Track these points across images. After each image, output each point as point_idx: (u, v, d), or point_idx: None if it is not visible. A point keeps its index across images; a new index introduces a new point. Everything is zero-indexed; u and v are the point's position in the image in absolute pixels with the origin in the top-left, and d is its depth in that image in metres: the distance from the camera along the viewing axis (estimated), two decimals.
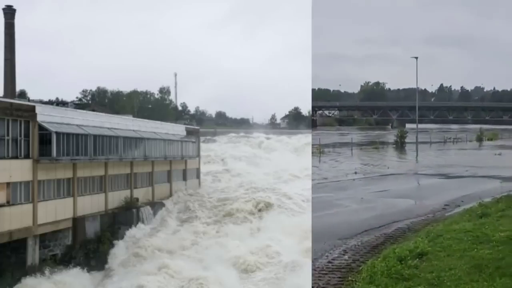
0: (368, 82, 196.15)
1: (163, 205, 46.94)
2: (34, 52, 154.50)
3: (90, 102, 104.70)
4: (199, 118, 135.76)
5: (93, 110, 51.72)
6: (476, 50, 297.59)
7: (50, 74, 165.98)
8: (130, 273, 33.51)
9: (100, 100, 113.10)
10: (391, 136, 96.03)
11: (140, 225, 41.46)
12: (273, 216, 44.16)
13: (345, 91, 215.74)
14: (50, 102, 56.32)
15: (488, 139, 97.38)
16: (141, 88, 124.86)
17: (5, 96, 60.95)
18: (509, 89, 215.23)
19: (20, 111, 32.15)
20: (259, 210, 45.65)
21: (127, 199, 42.94)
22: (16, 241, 30.87)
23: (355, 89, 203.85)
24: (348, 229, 24.17)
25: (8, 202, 30.66)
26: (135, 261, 35.66)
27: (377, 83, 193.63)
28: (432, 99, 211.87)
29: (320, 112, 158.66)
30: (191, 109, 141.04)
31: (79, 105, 66.08)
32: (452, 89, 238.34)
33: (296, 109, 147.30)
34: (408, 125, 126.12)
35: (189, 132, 58.28)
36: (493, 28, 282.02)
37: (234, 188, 53.57)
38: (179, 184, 53.20)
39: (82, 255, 35.69)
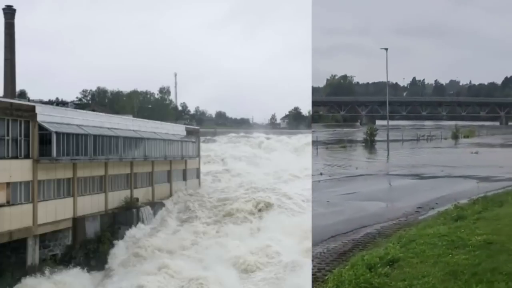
0: (335, 76, 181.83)
1: (163, 205, 46.95)
2: (34, 52, 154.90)
3: (90, 102, 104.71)
4: (199, 118, 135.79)
5: (93, 110, 51.74)
6: (452, 41, 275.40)
7: (50, 74, 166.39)
8: (130, 273, 33.52)
9: (100, 100, 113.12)
10: (360, 133, 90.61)
11: (140, 225, 41.47)
12: (273, 216, 44.16)
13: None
14: (50, 102, 56.37)
15: (464, 137, 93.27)
16: (141, 88, 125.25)
17: (5, 96, 60.94)
18: (486, 83, 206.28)
19: (20, 111, 32.15)
20: (259, 210, 45.65)
21: (127, 199, 42.95)
22: (16, 241, 30.88)
23: (320, 83, 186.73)
24: (313, 235, 22.96)
25: (8, 202, 30.66)
26: (135, 261, 35.67)
27: (345, 77, 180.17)
28: (404, 94, 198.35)
29: None
30: (191, 109, 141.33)
31: (79, 105, 66.16)
32: (426, 83, 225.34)
33: (296, 109, 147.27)
34: (378, 122, 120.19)
35: (189, 132, 58.29)
36: (470, 17, 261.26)
37: (234, 188, 53.56)
38: (179, 184, 53.21)
39: (82, 255, 35.70)
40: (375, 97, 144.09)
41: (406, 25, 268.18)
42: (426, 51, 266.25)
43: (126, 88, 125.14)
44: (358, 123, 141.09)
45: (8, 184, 30.69)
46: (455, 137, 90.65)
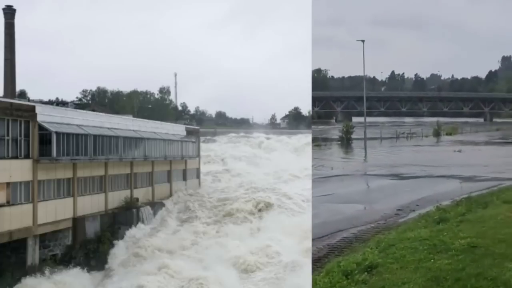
0: None
1: (163, 205, 46.96)
2: (34, 52, 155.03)
3: (90, 102, 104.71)
4: (199, 118, 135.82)
5: (93, 110, 51.73)
6: (433, 33, 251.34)
7: (50, 74, 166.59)
8: (130, 273, 33.52)
9: (100, 100, 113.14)
10: (335, 131, 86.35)
11: (140, 225, 41.48)
12: (273, 216, 44.18)
13: None
14: (50, 102, 56.35)
15: (446, 134, 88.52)
16: (141, 88, 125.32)
17: (5, 96, 60.94)
18: (469, 77, 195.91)
19: (20, 111, 32.15)
20: (259, 210, 45.68)
21: (127, 199, 42.96)
22: (16, 241, 30.87)
23: None
24: None
25: (8, 202, 30.66)
26: (135, 261, 35.67)
27: (318, 70, 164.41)
28: (382, 89, 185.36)
29: None
30: (191, 109, 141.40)
31: (79, 105, 66.13)
32: (405, 77, 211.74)
33: (296, 109, 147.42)
34: (355, 119, 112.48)
35: (189, 132, 58.31)
36: (452, 8, 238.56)
37: (234, 188, 53.58)
38: (179, 184, 53.22)
39: (82, 255, 35.70)
40: (351, 92, 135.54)
41: (384, 16, 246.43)
42: (405, 44, 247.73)
43: (126, 88, 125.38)
44: (333, 120, 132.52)
45: (8, 184, 30.68)
46: (437, 134, 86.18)
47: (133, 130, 45.83)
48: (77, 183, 37.15)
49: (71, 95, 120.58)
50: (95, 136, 38.24)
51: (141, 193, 45.97)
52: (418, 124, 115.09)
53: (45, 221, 33.35)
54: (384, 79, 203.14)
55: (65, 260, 34.56)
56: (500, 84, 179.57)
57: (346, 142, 71.41)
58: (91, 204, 38.72)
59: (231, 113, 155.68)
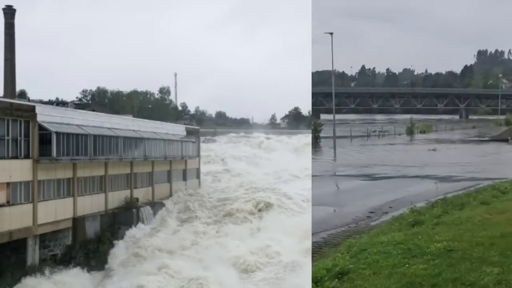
0: None
1: (163, 205, 46.96)
2: (34, 52, 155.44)
3: (90, 102, 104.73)
4: (199, 118, 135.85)
5: (93, 110, 51.74)
6: (405, 26, 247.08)
7: (50, 74, 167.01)
8: (130, 273, 33.51)
9: (100, 100, 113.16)
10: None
11: (140, 225, 41.48)
12: (273, 216, 44.17)
13: None
14: (50, 102, 56.28)
15: (420, 132, 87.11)
16: (141, 88, 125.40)
17: (5, 96, 60.95)
18: (444, 72, 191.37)
19: (20, 111, 32.14)
20: (259, 210, 45.67)
21: (127, 199, 42.95)
22: (16, 241, 30.86)
23: None
24: None
25: (8, 202, 30.65)
26: (135, 261, 35.67)
27: None
28: (352, 84, 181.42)
29: None
30: (191, 109, 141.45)
31: (79, 105, 66.09)
32: (376, 72, 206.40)
33: (296, 109, 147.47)
34: (323, 116, 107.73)
35: (189, 132, 58.30)
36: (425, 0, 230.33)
37: (234, 188, 53.57)
38: (179, 184, 53.22)
39: (82, 255, 35.70)
40: (319, 88, 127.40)
41: (354, 8, 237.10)
42: (376, 37, 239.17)
43: (126, 88, 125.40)
44: None
45: (8, 184, 30.67)
46: (410, 132, 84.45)
47: (133, 130, 45.82)
48: (77, 183, 37.14)
49: (71, 95, 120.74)
50: (95, 136, 38.23)
51: (141, 193, 45.96)
52: (390, 122, 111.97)
53: (45, 221, 33.34)
54: (354, 74, 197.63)
55: (65, 260, 34.55)
56: (476, 79, 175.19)
57: (314, 141, 68.42)
58: (91, 204, 38.71)
59: (231, 113, 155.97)
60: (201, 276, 31.66)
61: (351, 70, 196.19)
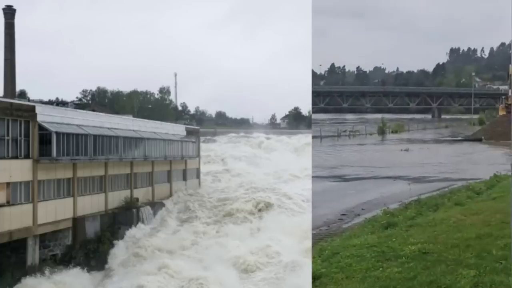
0: None
1: (163, 205, 46.96)
2: (34, 52, 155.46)
3: (90, 102, 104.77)
4: (199, 118, 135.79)
5: (93, 110, 51.75)
6: (376, 23, 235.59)
7: (50, 74, 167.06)
8: (130, 273, 33.51)
9: (100, 100, 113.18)
10: None
11: (140, 225, 41.48)
12: (273, 216, 44.17)
13: None
14: (50, 102, 56.30)
15: (392, 132, 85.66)
16: (141, 88, 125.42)
17: (5, 96, 60.95)
18: (415, 70, 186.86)
19: (20, 111, 32.14)
20: (259, 210, 45.67)
21: (127, 199, 42.95)
22: (16, 241, 30.86)
23: None
24: None
25: (8, 202, 30.64)
26: (135, 261, 35.66)
27: None
28: (322, 83, 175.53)
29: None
30: (191, 109, 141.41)
31: (79, 105, 66.10)
32: (346, 70, 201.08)
33: (296, 109, 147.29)
34: None
35: (189, 132, 58.29)
36: None
37: (234, 188, 53.56)
38: (179, 184, 53.22)
39: (82, 255, 35.70)
40: None
41: (323, 3, 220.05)
42: (346, 34, 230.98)
43: (126, 88, 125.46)
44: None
45: (8, 184, 30.67)
46: (382, 132, 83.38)
47: (133, 130, 45.82)
48: (77, 183, 37.14)
49: (71, 95, 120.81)
50: (95, 136, 38.23)
51: (141, 193, 45.96)
52: (361, 121, 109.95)
53: (45, 221, 33.34)
54: (323, 73, 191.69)
55: (65, 260, 34.54)
56: (448, 78, 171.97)
57: None
58: (91, 204, 38.71)
59: (231, 113, 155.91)
60: (201, 276, 31.66)
61: (320, 68, 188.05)
